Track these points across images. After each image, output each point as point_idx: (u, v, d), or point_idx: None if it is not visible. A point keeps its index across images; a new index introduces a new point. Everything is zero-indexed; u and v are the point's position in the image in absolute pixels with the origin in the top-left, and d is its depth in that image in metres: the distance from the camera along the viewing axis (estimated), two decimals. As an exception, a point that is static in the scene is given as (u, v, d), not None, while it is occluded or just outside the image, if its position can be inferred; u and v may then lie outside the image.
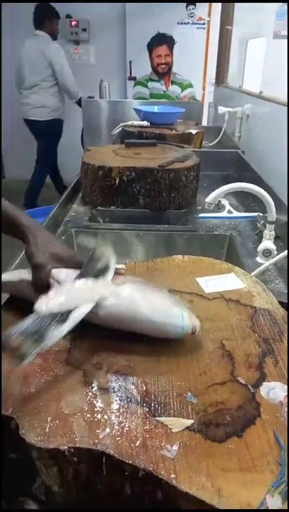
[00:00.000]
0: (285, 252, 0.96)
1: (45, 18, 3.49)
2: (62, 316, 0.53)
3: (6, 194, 0.78)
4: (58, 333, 0.52)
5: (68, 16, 4.26)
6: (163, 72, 3.26)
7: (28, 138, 3.93)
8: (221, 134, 2.41)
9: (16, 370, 0.53)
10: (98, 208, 1.44)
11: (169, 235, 1.30)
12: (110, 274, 0.63)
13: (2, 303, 0.70)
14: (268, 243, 1.11)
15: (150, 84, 3.31)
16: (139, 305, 0.57)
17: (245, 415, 0.48)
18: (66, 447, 0.44)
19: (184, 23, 4.20)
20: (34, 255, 0.64)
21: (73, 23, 4.27)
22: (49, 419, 0.47)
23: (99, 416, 0.48)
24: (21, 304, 0.68)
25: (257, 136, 2.11)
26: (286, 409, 0.49)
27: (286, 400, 0.51)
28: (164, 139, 1.90)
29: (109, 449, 0.44)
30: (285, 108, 1.56)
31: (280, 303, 0.71)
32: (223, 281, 0.77)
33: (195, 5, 4.16)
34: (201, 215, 1.42)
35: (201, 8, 4.19)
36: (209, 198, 1.09)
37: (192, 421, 0.47)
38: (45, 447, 0.44)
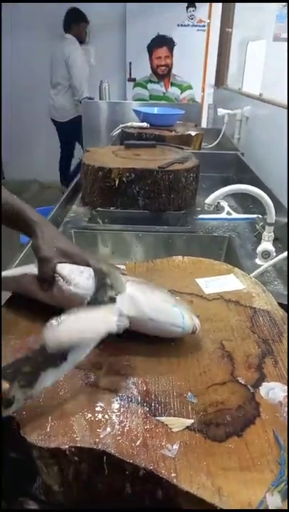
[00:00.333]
0: (284, 254, 0.97)
1: (73, 23, 3.65)
2: (60, 355, 0.49)
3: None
4: (53, 377, 0.48)
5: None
6: (163, 74, 3.27)
7: (28, 138, 3.94)
8: (220, 136, 2.42)
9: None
10: (98, 208, 1.44)
11: (168, 236, 1.30)
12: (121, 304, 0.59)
13: (4, 301, 0.70)
14: (266, 245, 1.11)
15: (150, 85, 3.32)
16: (140, 304, 0.57)
17: (245, 415, 0.49)
18: (67, 446, 0.44)
19: (184, 25, 4.21)
20: (41, 249, 0.64)
21: (73, 25, 4.27)
22: (50, 418, 0.47)
23: (99, 415, 0.48)
24: (23, 302, 0.68)
25: (256, 138, 2.12)
26: (286, 409, 0.50)
27: (285, 399, 0.51)
28: (164, 141, 1.91)
29: (110, 449, 0.44)
30: (285, 110, 1.56)
31: (280, 304, 0.71)
32: (223, 282, 0.77)
33: (195, 7, 4.18)
34: (201, 216, 1.42)
35: (201, 10, 4.20)
36: (209, 200, 1.10)
37: (192, 420, 0.48)
38: (46, 447, 0.44)
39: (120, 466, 0.43)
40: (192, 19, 4.21)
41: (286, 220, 1.19)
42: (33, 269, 0.67)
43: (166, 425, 0.47)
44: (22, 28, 4.05)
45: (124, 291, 0.59)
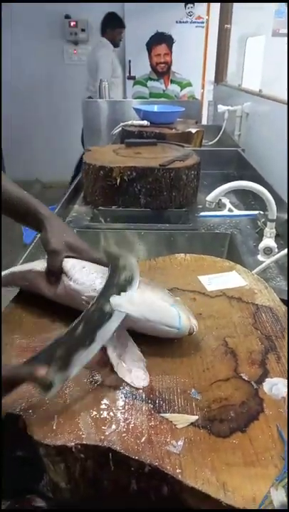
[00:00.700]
0: (286, 250, 0.97)
1: (108, 27, 3.69)
2: (88, 334, 0.52)
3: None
4: (85, 358, 0.50)
5: (67, 17, 4.26)
6: (162, 71, 3.26)
7: (30, 138, 3.94)
8: (220, 133, 2.42)
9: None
10: (99, 207, 1.45)
11: (170, 234, 1.30)
12: (134, 287, 0.60)
13: (12, 298, 0.71)
14: (268, 241, 1.12)
15: (149, 83, 3.31)
16: (136, 305, 0.57)
17: (248, 411, 0.49)
18: (73, 444, 0.45)
19: (183, 22, 4.20)
20: (50, 242, 0.65)
21: (72, 24, 4.28)
22: (56, 416, 0.48)
23: (105, 413, 0.49)
24: (31, 298, 0.69)
25: (257, 134, 2.12)
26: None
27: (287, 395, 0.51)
28: (164, 138, 1.91)
29: (116, 445, 0.44)
30: (285, 106, 1.56)
31: (282, 300, 0.72)
32: (225, 279, 0.77)
33: (194, 4, 4.17)
34: (202, 213, 1.42)
35: (200, 7, 4.19)
36: (210, 197, 1.10)
37: (196, 417, 0.48)
38: (53, 444, 0.45)
39: (126, 463, 0.44)
40: (191, 16, 4.20)
41: (287, 216, 1.19)
42: (38, 265, 0.68)
43: (171, 422, 0.48)
44: (22, 26, 4.04)
45: (137, 274, 0.60)
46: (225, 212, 1.43)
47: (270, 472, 0.42)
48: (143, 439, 0.45)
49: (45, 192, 3.90)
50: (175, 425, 0.47)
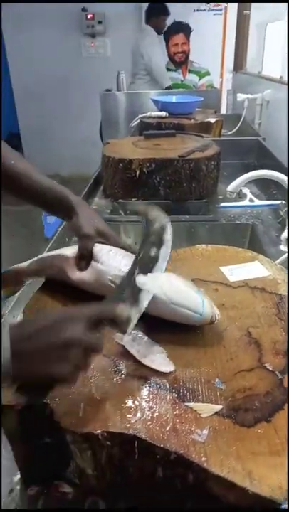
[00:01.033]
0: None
1: (152, 15, 3.58)
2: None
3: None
4: (147, 295, 0.54)
5: (84, 10, 4.25)
6: (180, 61, 3.22)
7: (48, 132, 3.97)
8: (240, 122, 2.38)
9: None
10: (119, 200, 1.45)
11: (190, 225, 1.30)
12: (166, 256, 0.62)
13: (38, 288, 0.73)
14: (291, 231, 1.10)
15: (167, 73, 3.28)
16: (162, 285, 0.58)
17: (273, 401, 0.49)
18: (99, 431, 0.45)
19: (200, 10, 4.12)
20: (82, 226, 0.67)
21: (89, 16, 4.26)
22: (82, 405, 0.49)
23: (129, 402, 0.49)
24: (56, 288, 0.71)
25: (278, 122, 2.07)
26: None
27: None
28: (183, 129, 1.89)
29: (141, 433, 0.45)
30: (307, 92, 1.52)
31: (306, 290, 0.71)
32: (248, 269, 0.77)
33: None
34: (223, 204, 1.41)
35: (218, -6, 4.10)
36: (231, 187, 1.09)
37: (221, 406, 0.48)
38: (80, 431, 0.46)
39: (151, 451, 0.45)
40: (208, 3, 4.11)
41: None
42: (67, 250, 0.71)
43: (195, 411, 0.48)
44: (40, 20, 4.06)
45: (169, 241, 0.62)
46: (246, 202, 1.41)
47: (296, 462, 0.42)
48: (168, 428, 0.46)
49: (65, 186, 3.92)
50: (199, 414, 0.47)
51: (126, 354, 0.56)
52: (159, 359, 0.55)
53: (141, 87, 3.51)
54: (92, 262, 0.66)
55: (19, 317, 0.84)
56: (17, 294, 0.84)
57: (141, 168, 1.37)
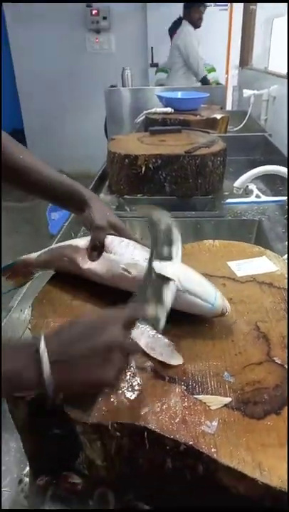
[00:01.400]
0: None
1: (189, 8, 3.55)
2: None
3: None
4: (170, 292, 0.54)
5: (89, 5, 4.23)
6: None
7: (51, 128, 3.96)
8: (246, 118, 2.37)
9: None
10: (125, 196, 1.45)
11: (196, 221, 1.29)
12: (178, 253, 0.61)
13: (46, 281, 0.74)
14: (298, 227, 1.09)
15: (173, 70, 3.27)
16: (177, 272, 0.58)
17: (282, 394, 0.49)
18: (109, 422, 0.46)
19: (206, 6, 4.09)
20: (95, 218, 0.69)
21: (94, 12, 4.24)
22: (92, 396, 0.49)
23: (139, 393, 0.49)
24: (65, 281, 0.71)
25: (284, 118, 2.06)
26: None
27: None
28: (189, 125, 1.89)
29: (151, 425, 0.45)
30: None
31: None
32: (255, 264, 0.77)
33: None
34: (229, 200, 1.40)
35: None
36: (238, 183, 1.09)
37: (230, 399, 0.48)
38: (90, 422, 0.46)
39: (161, 442, 0.45)
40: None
41: None
42: (77, 241, 0.72)
43: (204, 403, 0.48)
44: (45, 16, 4.05)
45: (178, 240, 0.61)
46: (252, 198, 1.40)
47: (305, 454, 0.42)
48: (177, 419, 0.46)
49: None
50: (209, 406, 0.48)
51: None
52: (167, 352, 0.55)
53: (175, 82, 3.51)
54: (104, 253, 0.67)
55: (27, 311, 0.84)
56: (26, 286, 0.84)
57: (147, 164, 1.37)
